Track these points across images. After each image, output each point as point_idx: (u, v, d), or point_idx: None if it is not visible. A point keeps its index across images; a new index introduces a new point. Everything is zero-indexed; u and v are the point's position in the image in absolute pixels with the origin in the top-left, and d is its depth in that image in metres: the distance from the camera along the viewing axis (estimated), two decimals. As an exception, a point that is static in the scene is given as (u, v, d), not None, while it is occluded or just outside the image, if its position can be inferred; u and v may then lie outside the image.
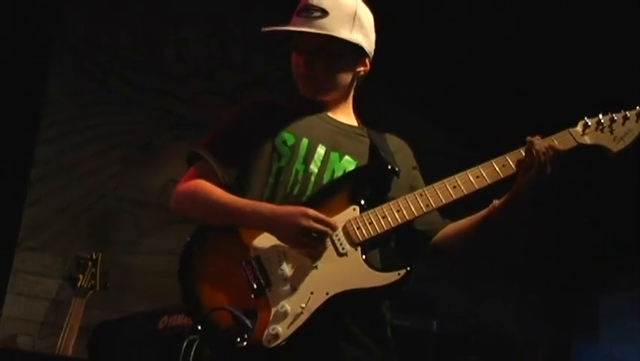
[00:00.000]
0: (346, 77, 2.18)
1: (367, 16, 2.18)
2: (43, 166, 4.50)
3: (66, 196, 4.51)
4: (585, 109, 2.07)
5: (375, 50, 2.22)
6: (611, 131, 2.00)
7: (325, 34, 2.07)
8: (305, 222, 1.87)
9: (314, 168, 2.06)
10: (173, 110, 4.97)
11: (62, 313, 3.85)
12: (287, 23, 2.13)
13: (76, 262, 3.79)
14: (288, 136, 2.09)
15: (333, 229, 1.92)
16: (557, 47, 4.90)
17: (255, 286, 1.90)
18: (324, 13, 2.07)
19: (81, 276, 3.72)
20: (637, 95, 2.11)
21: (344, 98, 2.24)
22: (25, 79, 4.44)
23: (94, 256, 3.79)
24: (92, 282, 3.72)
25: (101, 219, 4.56)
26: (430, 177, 2.13)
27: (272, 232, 1.94)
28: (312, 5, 2.09)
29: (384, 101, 5.22)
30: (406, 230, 2.05)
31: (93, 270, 3.75)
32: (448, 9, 4.86)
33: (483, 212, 2.09)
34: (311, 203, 1.98)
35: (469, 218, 2.14)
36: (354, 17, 2.13)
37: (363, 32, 2.15)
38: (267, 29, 2.11)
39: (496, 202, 2.05)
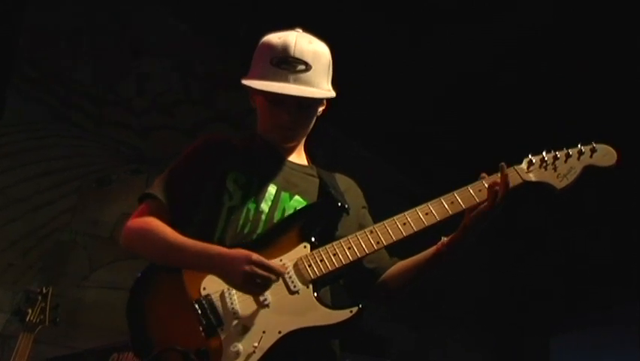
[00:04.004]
0: (313, 121, 2.22)
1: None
2: (-5, 197, 4.41)
3: (17, 229, 4.41)
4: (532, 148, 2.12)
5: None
6: (555, 169, 2.04)
7: (321, 99, 2.10)
8: (248, 268, 1.85)
9: (265, 207, 2.07)
10: (131, 144, 4.93)
11: (9, 348, 3.74)
12: (264, 72, 2.08)
13: (26, 296, 3.69)
14: (239, 176, 2.10)
15: (278, 274, 1.90)
16: (510, 87, 5.06)
17: (206, 325, 1.89)
18: (307, 66, 2.07)
19: (30, 310, 3.60)
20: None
21: (302, 139, 2.27)
22: (-20, 109, 4.38)
23: (44, 290, 3.69)
24: (41, 317, 3.61)
25: (52, 252, 4.46)
26: (383, 213, 2.14)
27: (217, 276, 1.93)
28: (293, 58, 2.06)
29: (339, 138, 5.28)
30: (354, 268, 2.05)
31: (43, 304, 3.65)
32: (406, 52, 4.97)
33: (432, 249, 2.11)
34: (261, 241, 1.99)
35: (415, 256, 2.16)
36: (329, 66, 2.16)
37: (331, 78, 2.19)
38: (262, 88, 2.06)
39: (444, 239, 2.08)
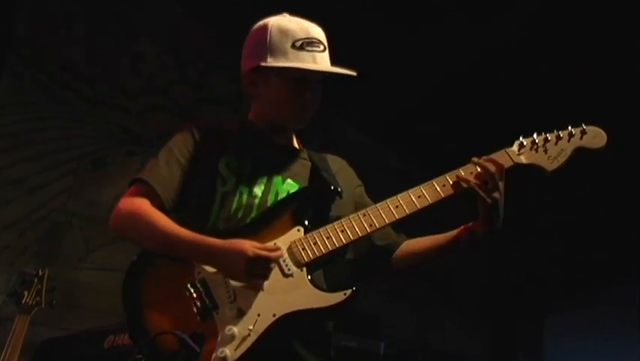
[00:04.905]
0: None
1: None
2: (-10, 179, 4.39)
3: (13, 211, 4.40)
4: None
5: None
6: (545, 151, 2.06)
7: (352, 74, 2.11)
8: (250, 265, 1.86)
9: (258, 191, 2.07)
10: (126, 126, 4.91)
11: (5, 330, 3.75)
12: (288, 55, 2.09)
13: (22, 278, 3.69)
14: (231, 160, 2.10)
15: (275, 260, 1.92)
16: (509, 87, 5.07)
17: (201, 308, 1.90)
18: (324, 46, 2.13)
19: (26, 292, 3.61)
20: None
21: None
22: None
23: (40, 273, 3.69)
24: (38, 299, 3.62)
25: (49, 234, 4.46)
26: (378, 194, 2.15)
27: (215, 268, 1.93)
28: (316, 39, 2.12)
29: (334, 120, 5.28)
30: (364, 246, 2.08)
31: (39, 286, 3.65)
32: (405, 52, 4.95)
33: (452, 233, 2.11)
34: (255, 225, 2.00)
35: (433, 237, 2.17)
36: None
37: None
38: (313, 68, 2.08)
39: (469, 225, 2.08)
